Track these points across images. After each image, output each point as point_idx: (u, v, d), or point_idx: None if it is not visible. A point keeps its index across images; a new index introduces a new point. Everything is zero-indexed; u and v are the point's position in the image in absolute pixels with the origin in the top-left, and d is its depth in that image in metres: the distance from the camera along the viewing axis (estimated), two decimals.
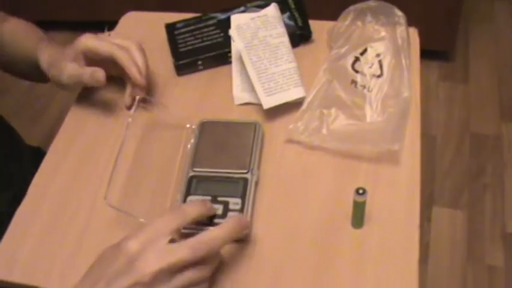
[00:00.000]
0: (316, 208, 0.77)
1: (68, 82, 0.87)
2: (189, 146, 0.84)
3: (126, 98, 0.90)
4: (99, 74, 0.84)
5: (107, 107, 0.93)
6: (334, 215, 0.76)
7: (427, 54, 1.07)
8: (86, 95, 0.95)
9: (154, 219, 0.66)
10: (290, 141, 0.84)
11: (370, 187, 0.74)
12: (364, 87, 0.87)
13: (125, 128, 0.80)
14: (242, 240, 0.74)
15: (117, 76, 0.92)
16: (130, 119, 0.80)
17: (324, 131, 0.83)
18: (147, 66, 0.88)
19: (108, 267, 0.63)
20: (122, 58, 0.85)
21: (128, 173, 0.82)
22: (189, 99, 0.93)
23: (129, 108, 0.90)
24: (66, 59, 0.88)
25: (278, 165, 0.82)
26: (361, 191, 0.70)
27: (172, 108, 0.89)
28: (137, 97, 0.82)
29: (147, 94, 0.89)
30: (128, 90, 0.90)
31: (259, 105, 0.87)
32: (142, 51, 0.88)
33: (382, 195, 0.77)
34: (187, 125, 0.87)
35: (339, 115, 0.84)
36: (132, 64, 0.85)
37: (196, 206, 0.69)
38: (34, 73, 0.97)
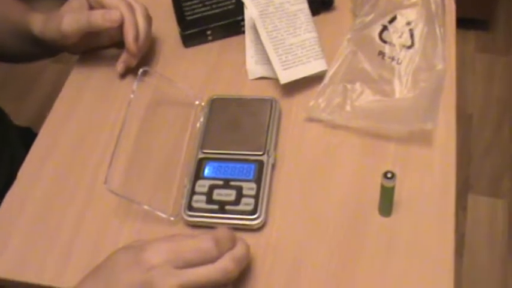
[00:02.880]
0: (339, 194, 0.77)
1: (70, 27, 0.86)
2: (198, 125, 0.84)
3: (118, 64, 0.91)
4: (114, 13, 0.85)
5: (106, 82, 0.93)
6: (359, 201, 0.76)
7: (464, 22, 1.06)
8: (82, 68, 0.96)
9: (184, 237, 0.66)
10: (310, 119, 0.84)
11: (400, 171, 0.74)
12: (392, 59, 0.86)
13: (127, 105, 0.80)
14: (258, 229, 0.74)
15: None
16: (132, 95, 0.81)
17: (348, 108, 0.82)
18: (146, 35, 0.89)
19: (122, 275, 0.63)
20: (125, 15, 0.86)
21: (130, 155, 0.83)
22: (198, 73, 0.93)
23: (121, 75, 0.91)
24: (66, 10, 0.88)
25: (297, 146, 0.82)
26: (389, 175, 0.70)
27: (179, 83, 0.89)
28: (140, 70, 0.83)
29: (150, 66, 0.90)
30: (123, 56, 0.90)
31: (276, 79, 0.86)
32: (147, 18, 0.90)
33: (413, 180, 0.77)
34: (196, 102, 0.87)
35: (364, 90, 0.84)
36: (132, 26, 0.86)
37: (230, 261, 0.65)
38: (24, 48, 0.98)
